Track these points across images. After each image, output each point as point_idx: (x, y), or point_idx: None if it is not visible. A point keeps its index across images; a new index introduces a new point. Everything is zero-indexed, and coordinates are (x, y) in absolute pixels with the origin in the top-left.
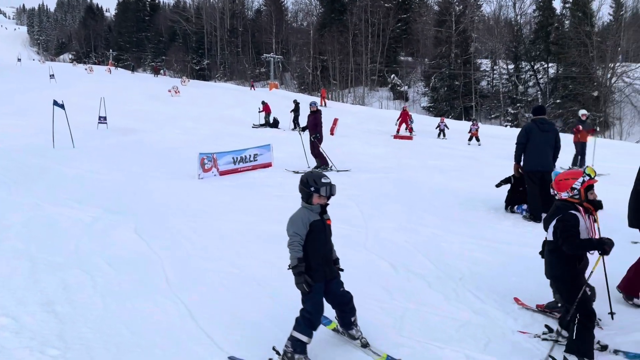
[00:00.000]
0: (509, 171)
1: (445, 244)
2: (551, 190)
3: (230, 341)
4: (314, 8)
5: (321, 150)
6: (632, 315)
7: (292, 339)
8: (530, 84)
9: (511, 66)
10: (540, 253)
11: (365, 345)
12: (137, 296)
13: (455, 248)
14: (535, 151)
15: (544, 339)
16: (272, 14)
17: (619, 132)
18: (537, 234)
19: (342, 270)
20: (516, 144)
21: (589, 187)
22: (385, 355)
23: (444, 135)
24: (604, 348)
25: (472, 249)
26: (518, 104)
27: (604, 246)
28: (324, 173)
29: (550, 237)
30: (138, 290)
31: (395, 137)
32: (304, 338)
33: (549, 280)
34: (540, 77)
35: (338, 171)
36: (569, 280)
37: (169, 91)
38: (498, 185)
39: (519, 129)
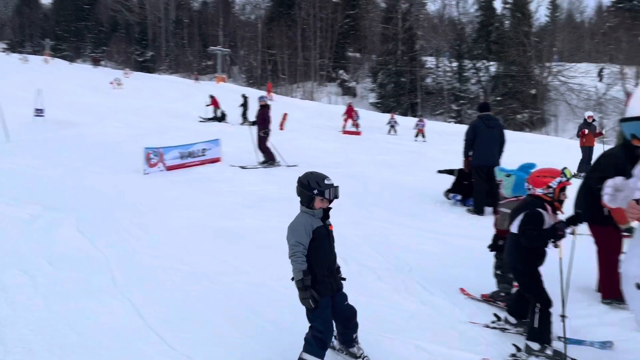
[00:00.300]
0: (454, 166)
1: (394, 236)
2: (525, 185)
3: (181, 339)
4: (262, 1)
5: (268, 145)
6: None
7: None
8: (473, 81)
9: (455, 64)
10: (490, 247)
11: None
12: (81, 296)
13: (404, 240)
14: (482, 147)
15: (492, 328)
16: (219, 6)
17: (554, 129)
18: (480, 226)
19: (344, 279)
20: (464, 140)
21: (564, 188)
22: None
23: (395, 131)
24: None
25: (420, 242)
26: (461, 101)
27: (557, 232)
28: (324, 174)
29: (514, 230)
30: (82, 289)
31: (344, 132)
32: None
33: (492, 271)
34: (482, 75)
35: (288, 166)
36: (528, 272)
37: (111, 83)
38: (440, 172)
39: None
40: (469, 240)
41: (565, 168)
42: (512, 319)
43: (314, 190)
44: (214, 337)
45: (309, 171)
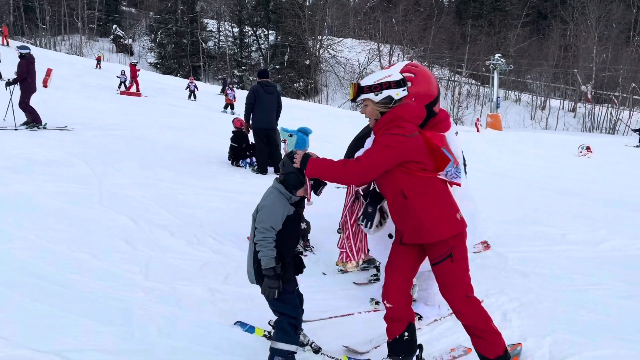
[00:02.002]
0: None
1: (182, 196)
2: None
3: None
4: None
5: (32, 104)
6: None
7: (281, 353)
8: (254, 48)
9: (236, 29)
10: None
11: (317, 350)
12: None
13: (193, 199)
14: (261, 111)
15: None
16: None
17: (325, 98)
18: (265, 184)
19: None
20: (245, 104)
21: None
22: (346, 358)
23: (195, 97)
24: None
25: (208, 199)
26: (243, 67)
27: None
28: None
29: None
30: None
31: (122, 93)
32: (292, 347)
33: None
34: (262, 42)
35: (59, 128)
36: None
37: None
38: (231, 158)
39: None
40: (255, 197)
41: None
42: None
43: (311, 180)
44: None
45: (307, 152)
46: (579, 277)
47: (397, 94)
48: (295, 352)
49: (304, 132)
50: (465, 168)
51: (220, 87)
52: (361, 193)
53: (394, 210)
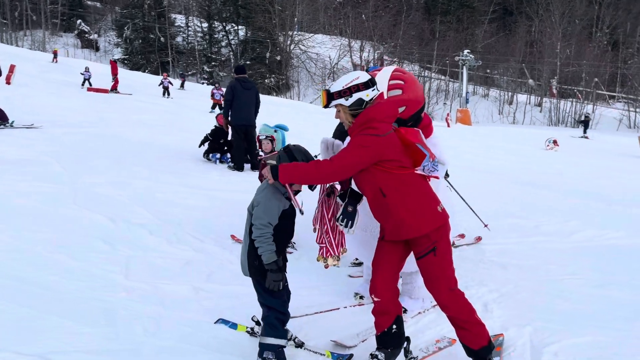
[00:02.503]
0: (211, 125)
1: (160, 194)
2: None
3: None
4: None
5: None
6: None
7: (270, 347)
8: (223, 44)
9: (205, 25)
10: None
11: (300, 345)
12: None
13: (170, 197)
14: (240, 107)
15: None
16: None
17: (297, 94)
18: (241, 180)
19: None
20: (223, 101)
21: None
22: (329, 353)
23: (169, 93)
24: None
25: (186, 197)
26: (213, 63)
27: None
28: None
29: None
30: None
31: (89, 89)
32: (282, 342)
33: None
34: (232, 38)
35: (26, 127)
36: None
37: None
38: (200, 145)
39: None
40: (232, 194)
41: None
42: None
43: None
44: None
45: (295, 144)
46: (554, 268)
47: (367, 94)
48: (285, 346)
49: (282, 129)
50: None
51: (179, 82)
52: (338, 192)
53: (374, 208)
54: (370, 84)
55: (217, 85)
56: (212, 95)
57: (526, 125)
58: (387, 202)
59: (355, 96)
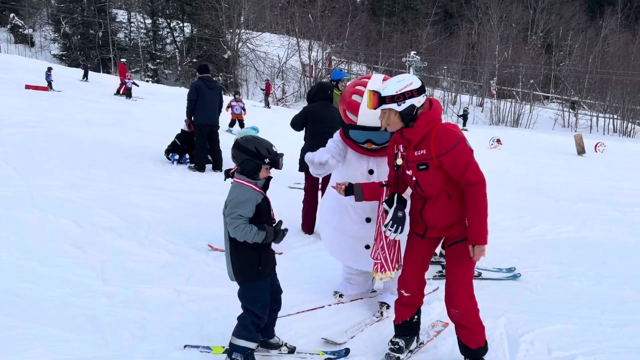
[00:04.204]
0: (166, 125)
1: (123, 196)
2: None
3: None
4: None
5: None
6: None
7: (238, 349)
8: (168, 41)
9: (149, 21)
10: None
11: (292, 350)
12: None
13: (135, 199)
14: (204, 107)
15: None
16: None
17: (246, 93)
18: (204, 182)
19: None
20: (188, 100)
21: None
22: (322, 352)
23: (130, 95)
24: None
25: (151, 199)
26: (157, 60)
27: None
28: (269, 140)
29: None
30: None
31: (27, 87)
32: (252, 345)
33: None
34: (177, 35)
35: None
36: None
37: None
38: (168, 153)
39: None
40: (196, 195)
41: None
42: None
43: (265, 159)
44: None
45: (249, 135)
46: (516, 262)
47: (419, 101)
48: (255, 350)
49: (255, 130)
50: None
51: (82, 72)
52: (383, 198)
53: (434, 208)
54: (422, 90)
55: (236, 96)
56: (231, 107)
57: (469, 125)
58: (452, 204)
59: (409, 102)
